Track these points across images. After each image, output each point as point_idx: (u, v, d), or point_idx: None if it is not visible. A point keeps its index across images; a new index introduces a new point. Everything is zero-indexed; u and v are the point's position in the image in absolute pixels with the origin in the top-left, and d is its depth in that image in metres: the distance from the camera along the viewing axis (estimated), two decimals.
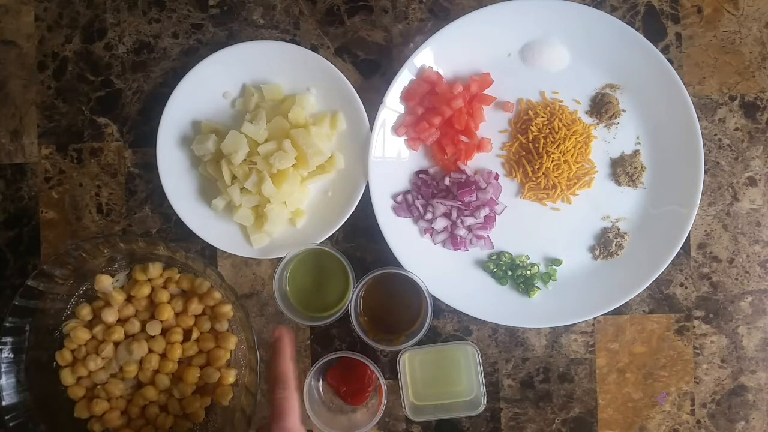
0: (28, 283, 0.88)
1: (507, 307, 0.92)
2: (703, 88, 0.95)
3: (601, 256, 0.93)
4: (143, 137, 0.96)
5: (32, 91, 0.97)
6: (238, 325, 0.93)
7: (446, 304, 0.91)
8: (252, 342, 0.86)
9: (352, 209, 0.91)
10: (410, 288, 0.90)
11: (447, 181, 0.92)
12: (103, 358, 0.91)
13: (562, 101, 0.93)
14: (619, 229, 0.93)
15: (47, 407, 0.91)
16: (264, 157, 0.89)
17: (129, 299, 0.93)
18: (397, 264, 0.91)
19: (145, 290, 0.92)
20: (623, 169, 0.93)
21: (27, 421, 0.89)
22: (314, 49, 0.95)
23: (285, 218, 0.93)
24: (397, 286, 0.91)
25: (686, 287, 0.95)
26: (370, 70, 0.96)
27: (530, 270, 0.93)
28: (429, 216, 0.92)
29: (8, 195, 0.97)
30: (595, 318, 0.94)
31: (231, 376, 0.92)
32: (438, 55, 0.92)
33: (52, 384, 0.92)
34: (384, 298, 0.92)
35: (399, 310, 0.92)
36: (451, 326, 0.95)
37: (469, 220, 0.91)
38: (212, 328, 0.93)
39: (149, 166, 0.96)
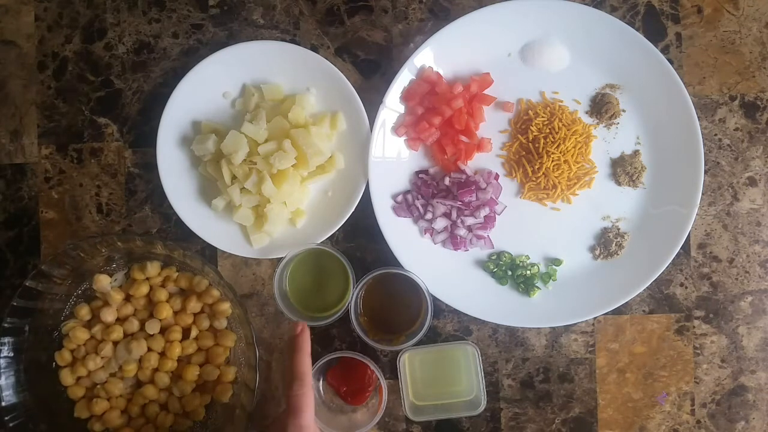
0: (27, 284, 0.88)
1: (507, 307, 0.92)
2: (703, 88, 0.95)
3: (601, 256, 0.93)
4: (143, 137, 0.96)
5: (32, 91, 0.97)
6: (237, 323, 0.93)
7: (446, 304, 0.91)
8: (251, 339, 0.86)
9: (352, 209, 0.91)
10: (410, 288, 0.90)
11: (447, 181, 0.92)
12: (102, 358, 0.91)
13: (562, 101, 0.93)
14: (619, 229, 0.93)
15: (47, 407, 0.91)
16: (264, 157, 0.89)
17: (127, 298, 0.93)
18: (397, 264, 0.91)
19: (144, 289, 0.92)
20: (623, 169, 0.93)
21: (27, 421, 0.89)
22: (314, 49, 0.95)
23: (285, 218, 0.93)
24: (397, 286, 0.91)
25: (686, 287, 0.95)
26: (370, 70, 0.96)
27: (530, 270, 0.92)
28: (429, 216, 0.92)
29: (8, 195, 0.97)
30: (595, 318, 0.94)
31: (230, 374, 0.92)
32: (438, 55, 0.92)
33: (52, 384, 0.92)
34: (384, 298, 0.92)
35: (399, 310, 0.92)
36: (451, 326, 0.95)
37: (469, 220, 0.91)
38: (211, 325, 0.93)
39: (149, 166, 0.96)
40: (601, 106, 0.92)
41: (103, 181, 0.97)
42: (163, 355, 0.91)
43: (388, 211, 0.92)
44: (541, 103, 0.93)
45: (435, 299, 0.90)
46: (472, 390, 0.91)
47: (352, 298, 0.88)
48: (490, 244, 0.93)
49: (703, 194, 0.90)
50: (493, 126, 0.94)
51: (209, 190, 0.94)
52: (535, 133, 0.92)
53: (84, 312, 0.92)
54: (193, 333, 0.91)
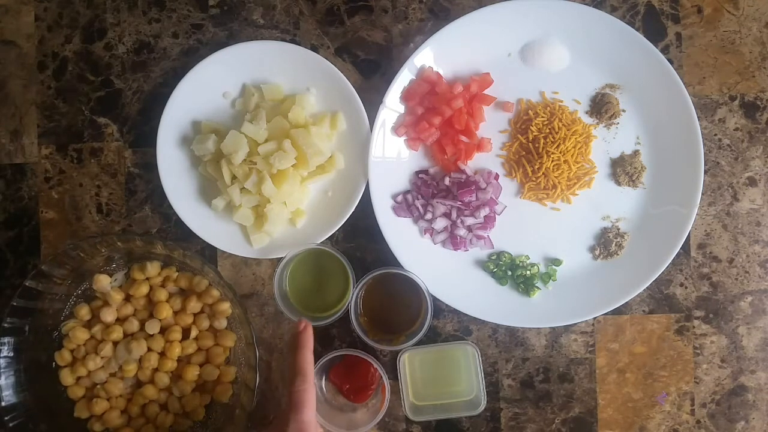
0: (27, 284, 0.88)
1: (507, 307, 0.92)
2: (703, 88, 0.95)
3: (601, 256, 0.93)
4: (143, 137, 0.96)
5: (32, 91, 0.97)
6: (237, 323, 0.93)
7: (446, 304, 0.91)
8: (251, 339, 0.87)
9: (352, 209, 0.91)
10: (410, 288, 0.90)
11: (447, 181, 0.92)
12: (102, 358, 0.91)
13: (562, 101, 0.93)
14: (619, 229, 0.93)
15: (47, 407, 0.91)
16: (264, 157, 0.89)
17: (127, 298, 0.93)
18: (397, 264, 0.91)
19: (144, 289, 0.92)
20: (623, 169, 0.93)
21: (27, 421, 0.89)
22: (314, 49, 0.95)
23: (285, 218, 0.93)
24: (397, 286, 0.91)
25: (686, 287, 0.95)
26: (370, 70, 0.96)
27: (530, 270, 0.92)
28: (429, 216, 0.92)
29: (8, 195, 0.97)
30: (595, 318, 0.94)
31: (230, 374, 0.92)
32: (438, 55, 0.92)
33: (52, 384, 0.92)
34: (384, 298, 0.92)
35: (399, 310, 0.92)
36: (451, 326, 0.95)
37: (469, 220, 0.91)
38: (211, 325, 0.93)
39: (149, 166, 0.96)
40: (601, 106, 0.92)
41: (103, 181, 0.97)
42: (163, 355, 0.91)
43: (388, 211, 0.92)
44: (541, 103, 0.93)
45: (435, 299, 0.90)
46: (472, 390, 0.91)
47: (352, 298, 0.88)
48: (490, 244, 0.93)
49: (703, 194, 0.90)
50: (493, 126, 0.94)
51: (209, 190, 0.94)
52: (535, 133, 0.92)
53: (84, 312, 0.92)
54: (193, 333, 0.91)
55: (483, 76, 0.93)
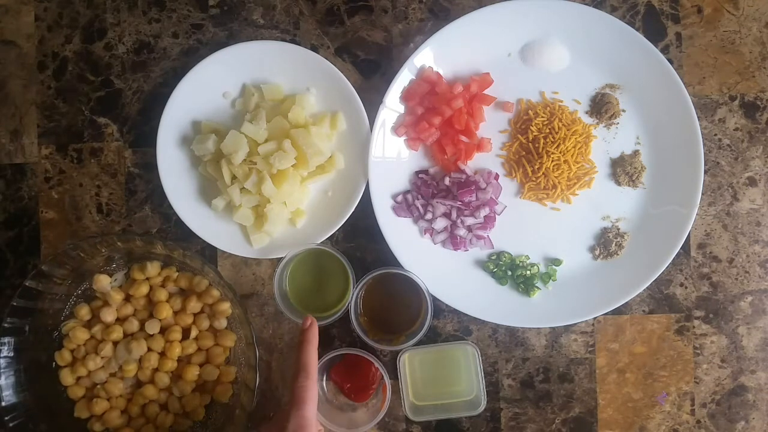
0: (27, 284, 0.88)
1: (507, 307, 0.92)
2: (703, 88, 0.95)
3: (601, 256, 0.93)
4: (143, 137, 0.96)
5: (32, 91, 0.97)
6: (237, 323, 0.93)
7: (446, 304, 0.91)
8: (251, 339, 0.87)
9: (352, 209, 0.91)
10: (410, 288, 0.90)
11: (447, 181, 0.92)
12: (102, 358, 0.91)
13: (562, 101, 0.93)
14: (619, 229, 0.93)
15: (47, 407, 0.91)
16: (264, 157, 0.89)
17: (127, 298, 0.93)
18: (397, 264, 0.91)
19: (144, 289, 0.92)
20: (623, 169, 0.93)
21: (27, 421, 0.89)
22: (314, 49, 0.95)
23: (285, 218, 0.93)
24: (397, 286, 0.91)
25: (686, 287, 0.95)
26: (370, 70, 0.96)
27: (530, 270, 0.92)
28: (429, 216, 0.92)
29: (8, 195, 0.97)
30: (595, 318, 0.94)
31: (230, 374, 0.92)
32: (438, 55, 0.92)
33: (52, 384, 0.92)
34: (384, 298, 0.92)
35: (399, 310, 0.92)
36: (451, 326, 0.95)
37: (469, 220, 0.91)
38: (211, 325, 0.93)
39: (149, 166, 0.96)
40: (601, 106, 0.92)
41: (103, 181, 0.97)
42: (163, 355, 0.91)
43: (388, 211, 0.92)
44: (541, 103, 0.93)
45: (435, 299, 0.90)
46: (472, 390, 0.91)
47: (352, 298, 0.88)
48: (490, 244, 0.93)
49: (703, 194, 0.90)
50: (493, 126, 0.94)
51: (209, 190, 0.94)
52: (535, 133, 0.92)
53: (84, 312, 0.92)
54: (193, 333, 0.91)
55: (483, 76, 0.93)
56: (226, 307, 0.92)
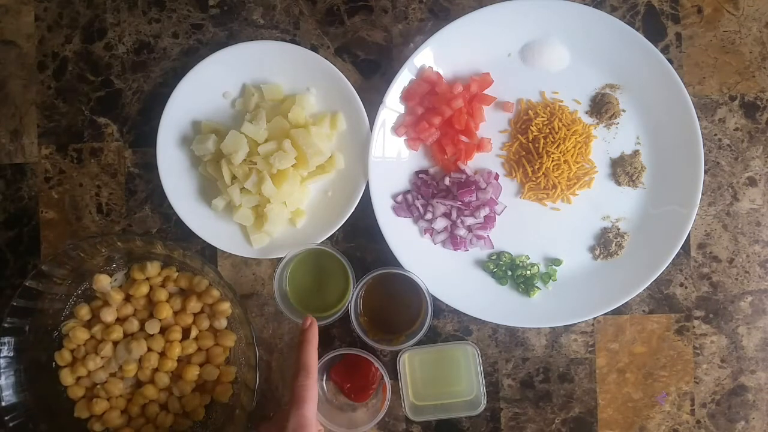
0: (27, 284, 0.88)
1: (507, 307, 0.92)
2: (703, 88, 0.95)
3: (601, 256, 0.93)
4: (143, 137, 0.96)
5: (32, 91, 0.97)
6: (237, 323, 0.93)
7: (446, 304, 0.91)
8: (251, 339, 0.87)
9: (352, 209, 0.91)
10: (410, 288, 0.90)
11: (447, 181, 0.92)
12: (102, 358, 0.91)
13: (562, 101, 0.93)
14: (619, 229, 0.93)
15: (47, 407, 0.91)
16: (264, 157, 0.89)
17: (127, 298, 0.93)
18: (397, 264, 0.91)
19: (144, 289, 0.92)
20: (623, 169, 0.93)
21: (27, 421, 0.89)
22: (314, 49, 0.95)
23: (285, 218, 0.93)
24: (397, 286, 0.91)
25: (686, 287, 0.95)
26: (370, 70, 0.96)
27: (530, 270, 0.92)
28: (429, 216, 0.92)
29: (8, 195, 0.97)
30: (595, 318, 0.94)
31: (230, 374, 0.92)
32: (438, 55, 0.92)
33: (52, 384, 0.92)
34: (384, 298, 0.92)
35: (399, 310, 0.92)
36: (451, 326, 0.95)
37: (469, 220, 0.91)
38: (211, 325, 0.93)
39: (149, 166, 0.96)
40: (601, 106, 0.92)
41: (103, 181, 0.97)
42: (163, 355, 0.91)
43: (388, 211, 0.92)
44: (541, 103, 0.93)
45: (435, 299, 0.90)
46: (472, 390, 0.91)
47: (352, 298, 0.88)
48: (490, 244, 0.93)
49: (703, 194, 0.90)
50: (493, 126, 0.94)
51: (209, 190, 0.94)
52: (535, 133, 0.92)
53: (84, 312, 0.92)
54: (193, 333, 0.91)
55: (483, 76, 0.93)
56: (226, 307, 0.92)
